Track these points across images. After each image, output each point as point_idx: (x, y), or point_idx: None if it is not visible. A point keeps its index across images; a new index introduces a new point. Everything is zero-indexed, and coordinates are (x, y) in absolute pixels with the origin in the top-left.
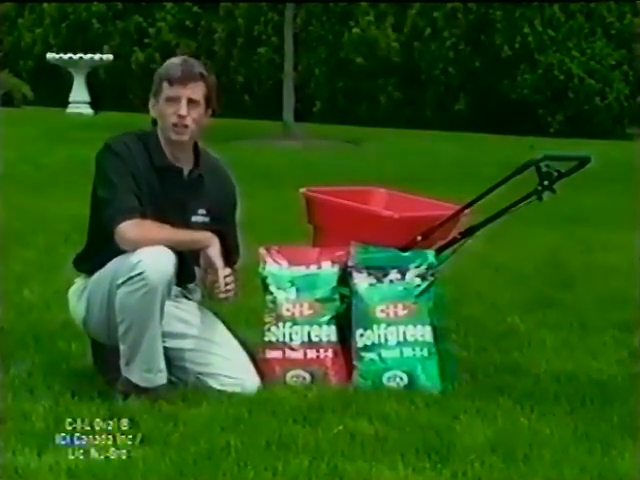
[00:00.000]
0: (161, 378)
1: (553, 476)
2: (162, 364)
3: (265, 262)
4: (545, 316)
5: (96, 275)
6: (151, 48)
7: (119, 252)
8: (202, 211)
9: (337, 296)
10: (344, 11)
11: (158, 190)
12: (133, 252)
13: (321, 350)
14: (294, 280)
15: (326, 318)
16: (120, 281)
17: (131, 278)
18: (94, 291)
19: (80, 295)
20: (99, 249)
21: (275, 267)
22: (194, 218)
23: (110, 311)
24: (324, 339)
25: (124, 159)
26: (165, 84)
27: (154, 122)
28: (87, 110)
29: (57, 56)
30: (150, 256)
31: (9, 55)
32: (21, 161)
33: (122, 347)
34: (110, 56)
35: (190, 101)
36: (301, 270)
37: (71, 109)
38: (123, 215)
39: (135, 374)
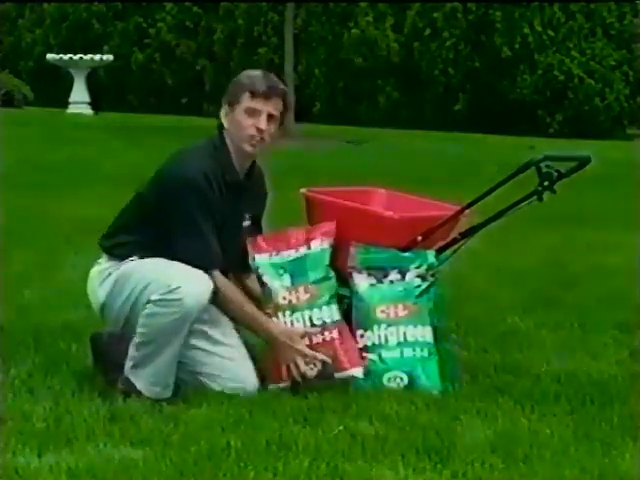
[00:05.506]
0: (167, 393)
1: (553, 476)
2: (172, 380)
3: (253, 254)
4: (545, 316)
5: (129, 269)
6: (151, 48)
7: (166, 250)
8: (248, 215)
9: (332, 274)
10: (344, 11)
11: (227, 202)
12: (175, 269)
13: (326, 332)
14: (285, 266)
15: (325, 299)
16: (154, 297)
17: (167, 300)
18: (122, 285)
19: (104, 280)
20: (143, 241)
21: (264, 257)
22: (245, 223)
23: (132, 312)
24: (327, 320)
25: (206, 196)
26: (247, 95)
27: (220, 126)
28: (87, 110)
29: (57, 56)
30: (190, 283)
31: (9, 55)
32: (21, 161)
33: (133, 351)
34: (110, 56)
35: (269, 116)
36: (290, 254)
37: (71, 109)
38: (214, 262)
39: (141, 381)
